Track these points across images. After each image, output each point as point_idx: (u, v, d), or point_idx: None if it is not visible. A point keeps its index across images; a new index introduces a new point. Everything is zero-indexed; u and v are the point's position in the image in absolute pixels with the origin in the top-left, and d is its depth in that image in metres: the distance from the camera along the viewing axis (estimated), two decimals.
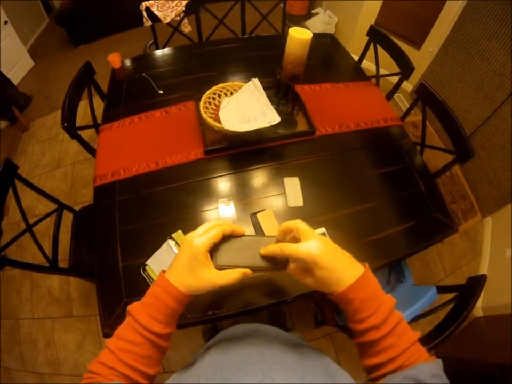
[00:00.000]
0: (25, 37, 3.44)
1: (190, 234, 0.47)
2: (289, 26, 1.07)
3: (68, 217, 1.46)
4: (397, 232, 1.05)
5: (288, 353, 0.46)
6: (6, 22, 2.90)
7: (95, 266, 0.98)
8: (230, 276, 0.46)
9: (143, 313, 0.44)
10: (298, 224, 0.46)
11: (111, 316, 0.88)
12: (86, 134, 1.42)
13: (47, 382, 1.67)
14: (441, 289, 1.06)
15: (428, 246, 1.06)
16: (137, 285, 0.92)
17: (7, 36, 2.95)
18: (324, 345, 1.66)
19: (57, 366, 1.70)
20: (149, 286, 0.87)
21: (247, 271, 0.48)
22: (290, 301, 0.91)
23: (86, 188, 2.26)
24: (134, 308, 0.46)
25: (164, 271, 0.48)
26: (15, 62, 3.10)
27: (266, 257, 0.47)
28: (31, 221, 1.24)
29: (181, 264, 0.46)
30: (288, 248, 0.44)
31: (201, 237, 0.46)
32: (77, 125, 1.39)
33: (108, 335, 0.86)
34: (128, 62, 1.62)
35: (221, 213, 1.04)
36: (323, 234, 0.99)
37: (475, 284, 0.93)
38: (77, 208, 1.56)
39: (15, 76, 3.08)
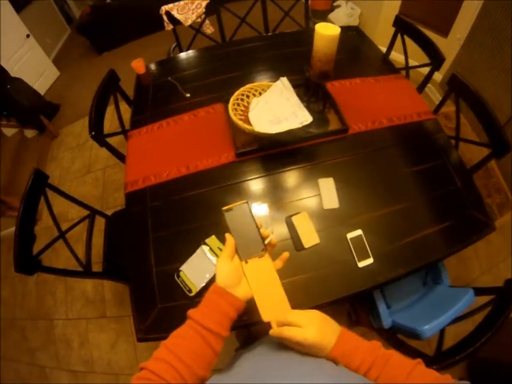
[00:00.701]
0: (49, 48, 3.58)
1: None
2: (315, 22, 1.05)
3: (101, 222, 1.49)
4: (434, 233, 1.01)
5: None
6: (28, 36, 3.00)
7: (129, 272, 1.00)
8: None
9: (197, 312, 0.52)
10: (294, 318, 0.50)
11: (145, 321, 0.88)
12: (115, 140, 1.44)
13: (81, 379, 1.72)
14: (478, 291, 1.03)
15: (465, 246, 1.01)
16: (171, 291, 0.92)
17: (30, 49, 3.07)
18: None
19: (91, 364, 1.76)
20: (183, 291, 0.92)
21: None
22: (327, 305, 0.90)
23: (117, 192, 2.30)
24: (191, 310, 0.53)
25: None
26: (40, 72, 3.22)
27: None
28: (64, 226, 1.27)
29: (216, 270, 0.57)
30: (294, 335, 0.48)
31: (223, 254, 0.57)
32: (106, 131, 1.41)
33: (141, 339, 0.87)
34: (152, 67, 1.63)
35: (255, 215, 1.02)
36: (359, 236, 0.96)
37: None
38: (109, 212, 1.59)
39: (42, 86, 3.20)
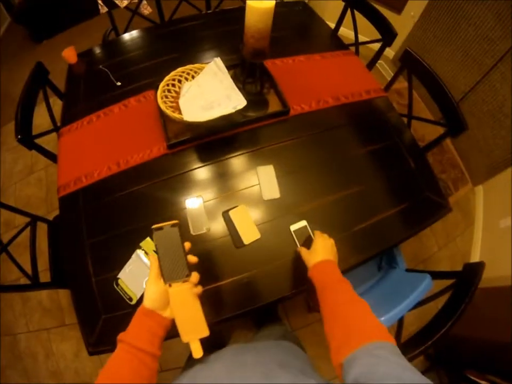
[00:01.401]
0: None
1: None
2: None
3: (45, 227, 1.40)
4: (388, 217, 0.98)
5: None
6: None
7: (69, 284, 0.94)
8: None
9: (127, 334, 0.53)
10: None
11: (92, 334, 0.84)
12: (50, 138, 1.32)
13: None
14: (436, 276, 1.02)
15: (421, 229, 1.00)
16: (114, 300, 0.87)
17: None
18: (317, 329, 1.64)
19: (60, 376, 1.72)
20: (123, 300, 0.85)
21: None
22: (290, 296, 0.87)
23: None
24: (121, 334, 0.53)
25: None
26: None
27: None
28: (12, 233, 1.23)
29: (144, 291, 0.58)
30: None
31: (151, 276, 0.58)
32: (41, 129, 1.29)
33: (93, 353, 0.83)
34: (85, 55, 1.47)
35: (189, 213, 0.95)
36: (304, 227, 0.91)
37: (472, 271, 0.89)
38: (55, 214, 1.48)
39: None
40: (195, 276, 0.59)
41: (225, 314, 0.84)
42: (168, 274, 0.57)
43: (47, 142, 1.31)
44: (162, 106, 0.96)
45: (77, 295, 0.91)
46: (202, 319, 0.56)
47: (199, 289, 0.59)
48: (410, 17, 2.28)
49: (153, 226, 0.58)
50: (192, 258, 0.60)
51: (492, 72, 1.79)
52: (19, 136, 1.20)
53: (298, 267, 0.87)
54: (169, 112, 0.95)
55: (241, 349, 0.60)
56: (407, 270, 1.19)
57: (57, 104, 1.38)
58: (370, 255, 0.93)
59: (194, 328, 0.56)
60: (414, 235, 0.99)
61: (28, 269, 1.20)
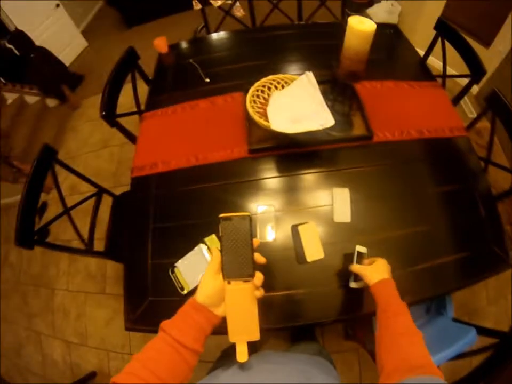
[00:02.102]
0: (80, 18, 3.55)
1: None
2: (349, 15, 0.94)
3: (110, 199, 1.49)
4: (449, 262, 0.93)
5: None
6: (57, 5, 2.99)
7: (125, 260, 0.98)
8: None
9: (173, 326, 0.49)
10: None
11: (135, 311, 0.87)
12: (130, 119, 1.40)
13: (73, 350, 1.77)
14: (481, 331, 0.97)
15: (477, 281, 0.94)
16: (164, 285, 0.90)
17: (59, 19, 3.06)
18: (349, 359, 1.57)
19: (85, 337, 1.80)
20: (175, 287, 0.88)
21: None
22: (333, 322, 0.87)
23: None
24: (165, 323, 0.50)
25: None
26: (67, 43, 3.22)
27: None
28: (75, 198, 1.30)
29: (199, 284, 0.54)
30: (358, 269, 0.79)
31: (210, 270, 0.54)
32: (124, 109, 1.37)
33: (129, 329, 0.86)
34: (176, 47, 1.56)
35: (259, 219, 0.96)
36: (365, 253, 0.87)
37: None
38: (121, 189, 1.58)
39: (68, 56, 3.20)
40: (259, 278, 0.54)
41: (268, 324, 0.84)
42: (230, 270, 0.52)
43: (125, 122, 1.38)
44: (251, 110, 0.98)
45: (129, 272, 0.95)
46: (256, 322, 0.52)
47: (261, 292, 0.55)
48: (498, 52, 2.14)
49: (221, 215, 0.53)
50: (260, 258, 0.56)
51: None
52: (103, 113, 1.25)
53: (350, 295, 0.85)
54: (256, 117, 0.97)
55: (278, 356, 0.60)
56: (454, 320, 1.14)
57: (141, 88, 1.47)
58: (424, 297, 0.91)
59: (245, 330, 0.52)
60: (469, 286, 0.94)
61: (84, 234, 1.26)
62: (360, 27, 0.81)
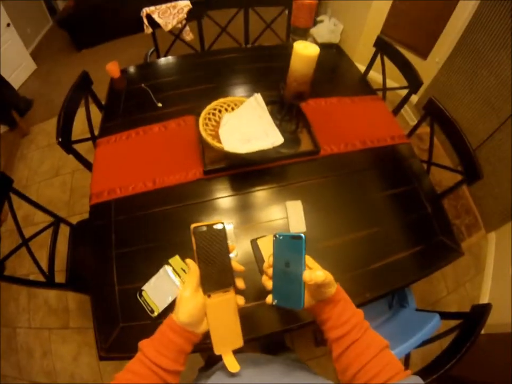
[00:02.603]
0: (28, 39, 3.43)
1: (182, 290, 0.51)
2: (294, 40, 1.02)
3: (66, 229, 1.44)
4: (403, 258, 1.01)
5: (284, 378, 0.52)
6: (8, 25, 2.88)
7: (90, 289, 0.96)
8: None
9: (151, 348, 0.47)
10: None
11: (107, 340, 0.86)
12: (84, 145, 1.39)
13: None
14: (444, 316, 1.04)
15: (433, 271, 1.03)
16: (134, 310, 0.89)
17: (10, 39, 2.94)
18: (323, 364, 1.62)
19: (54, 376, 1.69)
20: (145, 311, 0.87)
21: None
22: (296, 328, 0.89)
23: (85, 198, 2.18)
24: (143, 343, 0.48)
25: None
26: (17, 65, 3.08)
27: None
28: (30, 230, 1.24)
29: (177, 304, 0.50)
30: (321, 278, 0.51)
31: (189, 288, 0.50)
32: (75, 134, 1.35)
33: (104, 358, 0.84)
34: (127, 71, 1.58)
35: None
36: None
37: (479, 313, 0.91)
38: (76, 218, 1.55)
39: (17, 79, 3.06)
40: (241, 283, 0.53)
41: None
42: (209, 283, 0.49)
43: (78, 147, 1.36)
44: (204, 133, 1.02)
45: (97, 300, 0.94)
46: (239, 330, 0.51)
47: (242, 300, 0.53)
48: (435, 63, 2.37)
49: (194, 225, 0.49)
50: (239, 267, 0.54)
51: (510, 120, 1.83)
52: (60, 139, 1.24)
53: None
54: (209, 140, 1.01)
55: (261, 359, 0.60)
56: (417, 310, 1.22)
57: (92, 112, 1.46)
58: (384, 292, 0.96)
59: (229, 340, 0.50)
60: (425, 277, 1.02)
61: (41, 267, 1.21)
62: (305, 52, 0.88)
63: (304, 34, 1.06)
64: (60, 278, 1.28)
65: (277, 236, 0.53)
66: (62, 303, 1.86)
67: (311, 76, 0.96)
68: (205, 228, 0.49)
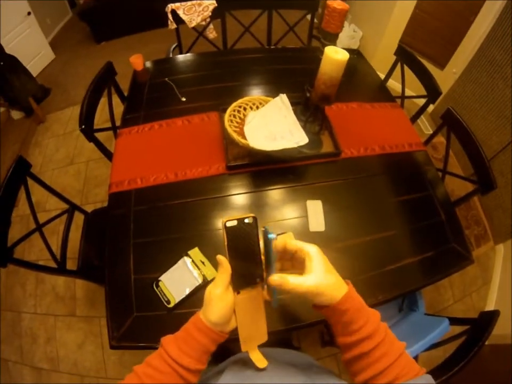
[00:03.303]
0: (48, 29, 3.48)
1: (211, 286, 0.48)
2: (324, 44, 1.04)
3: (78, 217, 1.45)
4: (414, 262, 1.03)
5: (297, 376, 0.49)
6: (29, 13, 2.93)
7: (106, 277, 0.96)
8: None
9: (174, 346, 0.45)
10: (307, 249, 0.47)
11: (119, 328, 0.86)
12: (102, 134, 1.41)
13: (44, 377, 1.66)
14: (453, 321, 1.06)
15: (443, 277, 1.04)
16: (149, 300, 0.90)
17: (29, 27, 2.98)
18: (328, 365, 1.63)
19: (56, 363, 1.70)
20: (160, 301, 0.89)
21: None
22: (303, 327, 0.89)
23: (98, 187, 2.25)
24: (166, 340, 0.47)
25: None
26: (35, 53, 3.13)
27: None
28: (41, 216, 1.22)
29: (207, 302, 0.48)
30: (290, 285, 0.45)
31: (220, 287, 0.47)
32: (95, 123, 1.36)
33: (115, 347, 0.84)
34: (150, 65, 1.60)
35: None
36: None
37: (487, 320, 0.92)
38: (88, 207, 1.56)
39: (35, 67, 3.10)
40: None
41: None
42: (240, 280, 0.47)
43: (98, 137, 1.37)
44: (229, 129, 1.04)
45: (111, 288, 0.94)
46: (265, 325, 0.51)
47: (268, 294, 0.52)
48: (452, 73, 2.39)
49: (226, 220, 0.46)
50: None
51: None
52: (83, 126, 1.24)
53: None
54: (235, 135, 1.03)
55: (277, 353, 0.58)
56: (426, 314, 1.24)
57: (114, 104, 1.48)
58: (396, 295, 0.98)
59: (256, 336, 0.50)
60: (436, 282, 1.03)
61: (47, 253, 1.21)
62: (335, 56, 0.91)
63: (334, 39, 1.08)
64: (69, 265, 1.29)
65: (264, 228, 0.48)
66: (69, 290, 1.87)
67: (339, 80, 0.99)
68: (236, 222, 0.46)
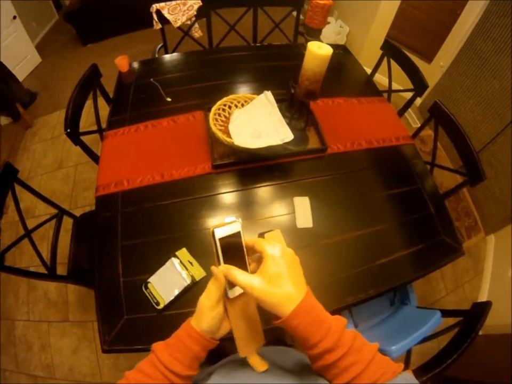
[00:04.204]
0: (34, 33, 3.42)
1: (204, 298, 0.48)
2: (307, 40, 1.04)
3: (68, 221, 1.44)
4: (405, 256, 1.03)
5: (290, 376, 0.48)
6: (14, 17, 2.88)
7: (95, 281, 0.96)
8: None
9: (165, 353, 0.45)
10: (268, 250, 0.45)
11: (110, 332, 0.86)
12: (89, 137, 1.39)
13: None
14: (445, 313, 1.06)
15: (434, 269, 1.05)
16: (139, 302, 0.89)
17: (15, 31, 2.93)
18: None
19: (52, 370, 1.68)
20: (150, 303, 0.88)
21: None
22: None
23: (87, 191, 2.23)
24: (158, 346, 0.47)
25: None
26: (21, 57, 3.08)
27: None
28: (30, 222, 1.22)
29: (199, 312, 0.48)
30: (239, 280, 0.44)
31: (213, 296, 0.47)
32: (81, 126, 1.35)
33: (107, 351, 0.84)
34: (136, 65, 1.59)
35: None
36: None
37: (479, 310, 0.92)
38: (77, 211, 1.54)
39: (21, 72, 3.05)
40: None
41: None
42: (231, 284, 0.47)
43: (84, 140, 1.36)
44: (214, 128, 1.03)
45: (101, 292, 0.94)
46: (260, 327, 0.50)
47: None
48: (439, 67, 2.40)
49: (214, 227, 0.46)
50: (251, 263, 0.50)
51: None
52: (68, 130, 1.23)
53: (318, 294, 0.90)
54: (220, 134, 1.02)
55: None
56: (418, 307, 1.24)
57: (99, 106, 1.47)
58: (387, 288, 0.98)
59: (253, 340, 0.49)
60: (427, 274, 1.04)
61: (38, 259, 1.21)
62: (319, 51, 0.91)
63: (317, 35, 1.08)
64: (60, 270, 1.28)
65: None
66: (61, 296, 1.86)
67: (323, 75, 0.98)
68: (224, 229, 0.46)
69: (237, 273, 0.44)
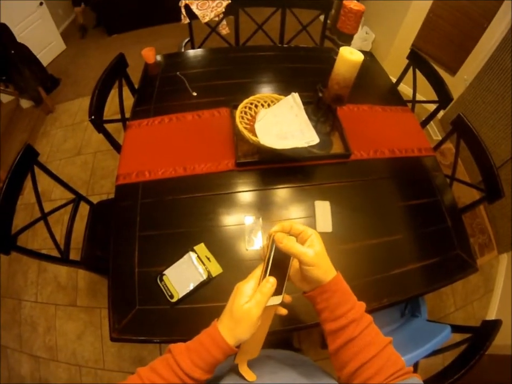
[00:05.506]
0: (60, 20, 3.48)
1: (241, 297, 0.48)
2: (339, 45, 1.04)
3: (84, 208, 1.45)
4: (420, 268, 1.02)
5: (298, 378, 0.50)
6: (41, 3, 2.94)
7: (110, 268, 0.96)
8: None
9: (186, 358, 0.44)
10: (310, 231, 0.50)
11: (121, 321, 0.86)
12: (111, 126, 1.40)
13: (42, 366, 1.67)
14: (455, 329, 1.05)
15: (447, 284, 1.04)
16: (152, 294, 0.90)
17: (41, 17, 2.99)
18: (328, 366, 1.61)
19: (55, 352, 1.70)
20: (163, 295, 0.88)
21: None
22: (304, 328, 0.89)
23: (105, 179, 2.25)
24: (177, 349, 0.45)
25: (217, 320, 0.48)
26: (46, 43, 3.14)
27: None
28: (46, 205, 1.22)
29: (244, 320, 0.46)
30: (297, 249, 0.48)
31: (261, 305, 0.47)
32: (104, 115, 1.36)
33: (115, 339, 0.84)
34: (159, 58, 1.60)
35: (247, 229, 1.01)
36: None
37: (490, 328, 0.92)
38: (94, 198, 1.56)
39: (46, 57, 3.11)
40: (288, 296, 0.53)
41: None
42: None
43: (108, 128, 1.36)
44: (240, 126, 1.04)
45: (115, 280, 0.94)
46: (262, 343, 0.51)
47: (285, 311, 0.53)
48: (463, 80, 2.37)
49: (275, 232, 0.48)
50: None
51: None
52: (92, 117, 1.24)
53: None
54: (246, 132, 1.02)
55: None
56: (428, 321, 1.23)
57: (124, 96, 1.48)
58: (401, 299, 0.97)
59: (252, 350, 0.49)
60: (440, 288, 1.03)
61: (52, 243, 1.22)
62: (350, 57, 0.91)
63: (349, 40, 1.07)
64: (72, 255, 1.29)
65: None
66: (71, 281, 1.88)
67: (353, 81, 0.98)
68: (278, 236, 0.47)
69: (295, 244, 0.48)
